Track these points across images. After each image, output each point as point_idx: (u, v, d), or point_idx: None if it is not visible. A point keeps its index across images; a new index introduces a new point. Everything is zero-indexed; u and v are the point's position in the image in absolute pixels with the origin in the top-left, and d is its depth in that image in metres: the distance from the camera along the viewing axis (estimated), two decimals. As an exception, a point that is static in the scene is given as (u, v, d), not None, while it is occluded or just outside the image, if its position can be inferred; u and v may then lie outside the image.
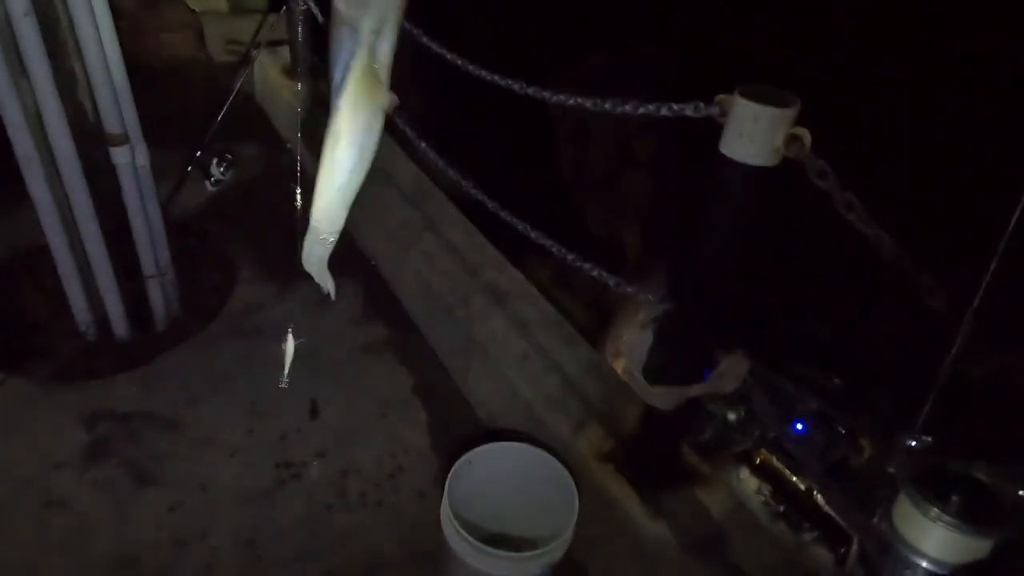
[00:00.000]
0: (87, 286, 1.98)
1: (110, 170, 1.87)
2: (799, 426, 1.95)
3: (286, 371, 1.55)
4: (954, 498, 0.84)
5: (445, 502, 1.37)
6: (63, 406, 1.87)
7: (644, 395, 1.39)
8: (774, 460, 1.98)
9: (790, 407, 1.77)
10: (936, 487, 0.85)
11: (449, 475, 1.39)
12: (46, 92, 1.66)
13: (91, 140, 1.83)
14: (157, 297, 2.12)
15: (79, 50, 1.71)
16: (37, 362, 1.98)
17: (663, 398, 1.33)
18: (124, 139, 1.85)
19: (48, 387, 1.91)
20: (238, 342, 2.15)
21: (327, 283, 1.27)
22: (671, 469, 1.59)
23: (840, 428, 1.92)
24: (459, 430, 1.92)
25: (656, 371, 1.41)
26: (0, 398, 1.87)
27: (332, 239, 1.20)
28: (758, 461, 1.98)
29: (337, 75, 1.00)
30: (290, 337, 1.50)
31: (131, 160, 1.88)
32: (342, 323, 2.26)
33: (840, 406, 1.92)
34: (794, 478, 1.92)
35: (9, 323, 2.09)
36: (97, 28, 1.70)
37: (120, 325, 2.07)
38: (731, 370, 1.25)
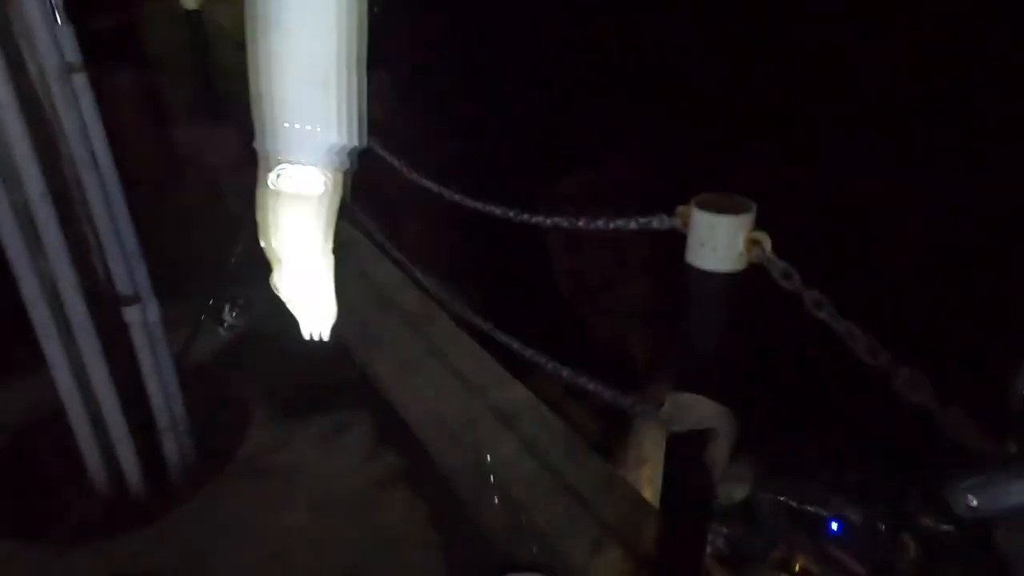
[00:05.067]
0: (102, 445, 2.01)
1: (122, 328, 1.95)
2: (835, 526, 1.84)
3: None
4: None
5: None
6: (77, 571, 1.84)
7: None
8: (815, 567, 1.85)
9: (817, 508, 1.68)
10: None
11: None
12: (62, 266, 1.76)
13: (103, 301, 1.91)
14: (172, 449, 2.13)
15: (92, 220, 1.84)
16: (52, 526, 1.97)
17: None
18: (136, 299, 1.93)
19: (62, 554, 1.89)
20: (251, 487, 2.14)
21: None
22: (698, 588, 1.49)
23: (880, 525, 1.81)
24: (474, 561, 1.84)
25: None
26: (15, 567, 1.85)
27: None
28: (797, 568, 1.86)
29: None
30: None
31: (143, 318, 1.96)
32: (354, 457, 2.24)
33: (877, 501, 1.81)
34: (838, 585, 1.78)
35: (26, 487, 2.11)
36: (108, 199, 1.83)
37: (135, 481, 2.07)
38: (736, 477, 1.20)
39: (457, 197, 1.88)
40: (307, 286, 1.22)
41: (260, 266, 3.39)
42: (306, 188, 1.05)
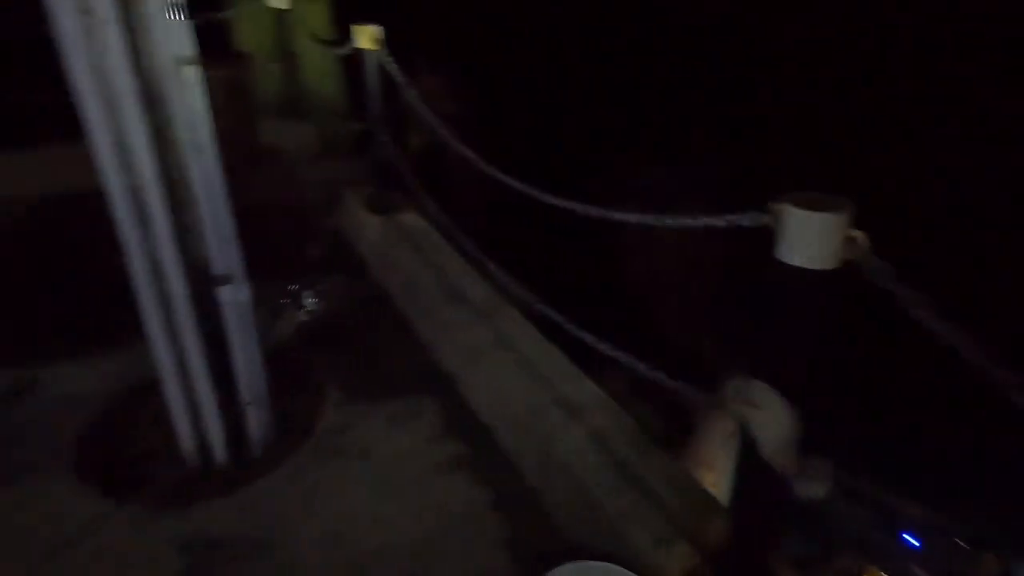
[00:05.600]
0: (192, 416, 2.13)
1: (215, 306, 2.07)
2: (910, 539, 1.81)
3: None
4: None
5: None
6: (165, 532, 1.96)
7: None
8: (884, 577, 1.81)
9: (892, 517, 1.66)
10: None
11: (531, 597, 1.37)
12: (167, 246, 1.89)
13: (200, 280, 2.04)
14: (254, 424, 2.25)
15: (194, 203, 1.96)
16: (144, 490, 2.11)
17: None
18: (229, 279, 2.05)
19: (153, 514, 2.03)
20: (326, 463, 2.23)
21: None
22: (767, 588, 1.49)
23: (958, 541, 1.77)
24: (538, 546, 1.88)
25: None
26: (110, 526, 1.99)
27: None
28: (866, 578, 1.82)
29: None
30: None
31: (235, 297, 2.07)
32: (421, 440, 2.31)
33: (956, 515, 1.77)
34: (911, 599, 1.74)
35: (123, 453, 2.25)
36: (210, 184, 1.95)
37: (220, 452, 2.19)
38: (816, 473, 1.20)
39: (536, 194, 1.92)
40: None
41: (337, 255, 3.54)
42: None
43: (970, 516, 1.71)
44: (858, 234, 1.03)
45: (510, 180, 2.13)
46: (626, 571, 1.46)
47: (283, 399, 2.42)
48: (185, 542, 1.94)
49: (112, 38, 1.67)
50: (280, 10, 4.15)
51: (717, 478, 2.63)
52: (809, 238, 1.05)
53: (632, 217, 1.48)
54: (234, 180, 2.05)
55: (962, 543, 1.75)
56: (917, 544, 1.76)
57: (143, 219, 1.87)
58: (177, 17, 1.80)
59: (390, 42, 3.10)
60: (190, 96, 1.86)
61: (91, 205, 1.93)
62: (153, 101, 1.83)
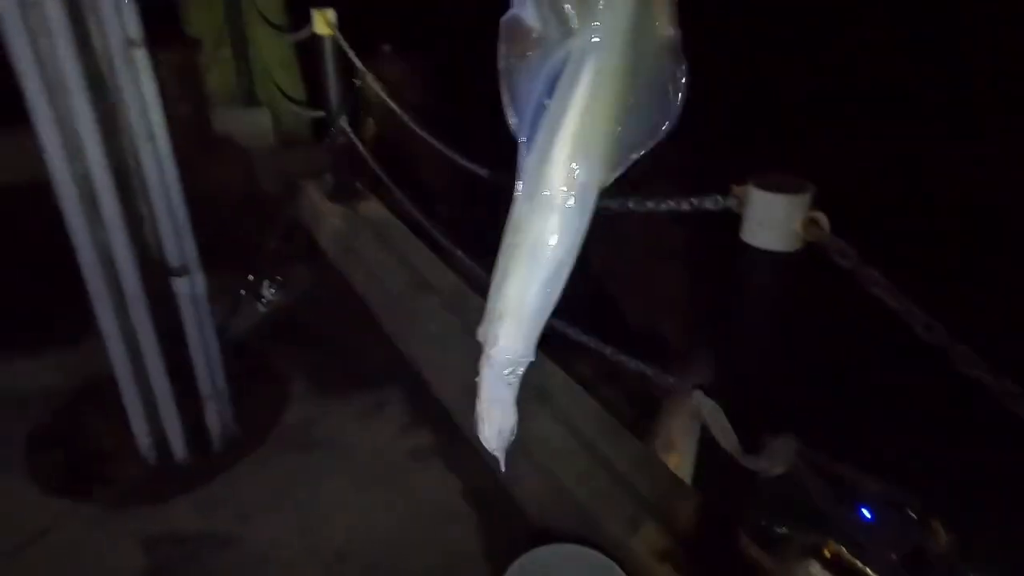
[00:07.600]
0: (149, 412, 2.07)
1: (170, 298, 2.01)
2: (865, 512, 1.86)
3: None
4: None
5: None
6: (125, 531, 1.91)
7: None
8: (845, 552, 1.87)
9: (850, 491, 1.70)
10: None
11: (503, 582, 1.37)
12: (118, 236, 1.82)
13: (154, 272, 1.97)
14: (214, 417, 2.20)
15: (146, 192, 1.90)
16: (103, 488, 2.04)
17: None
18: (184, 270, 1.99)
19: (112, 513, 1.97)
20: (291, 457, 2.20)
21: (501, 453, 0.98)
22: (733, 565, 1.52)
23: (911, 513, 1.83)
24: (510, 533, 1.89)
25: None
26: (68, 525, 1.93)
27: (521, 371, 0.91)
28: (828, 554, 1.88)
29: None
30: None
31: (190, 289, 2.01)
32: (390, 431, 2.30)
33: (908, 487, 1.83)
34: (869, 571, 1.80)
35: (78, 451, 2.18)
36: (163, 173, 1.89)
37: (179, 448, 2.14)
38: (778, 452, 1.23)
39: (491, 176, 1.91)
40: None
41: (297, 246, 3.46)
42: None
43: (924, 487, 1.77)
44: (819, 215, 1.05)
45: (471, 164, 2.11)
46: (598, 554, 1.47)
47: (244, 393, 2.37)
48: (147, 540, 1.89)
49: (56, 18, 1.59)
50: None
51: (682, 460, 2.68)
52: (772, 219, 1.07)
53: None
54: (188, 169, 1.99)
55: (912, 514, 1.82)
56: (871, 517, 1.81)
57: (92, 208, 1.80)
58: (125, -2, 1.73)
59: (349, 27, 3.03)
60: (140, 81, 1.80)
61: (41, 195, 1.85)
62: (101, 85, 1.76)
